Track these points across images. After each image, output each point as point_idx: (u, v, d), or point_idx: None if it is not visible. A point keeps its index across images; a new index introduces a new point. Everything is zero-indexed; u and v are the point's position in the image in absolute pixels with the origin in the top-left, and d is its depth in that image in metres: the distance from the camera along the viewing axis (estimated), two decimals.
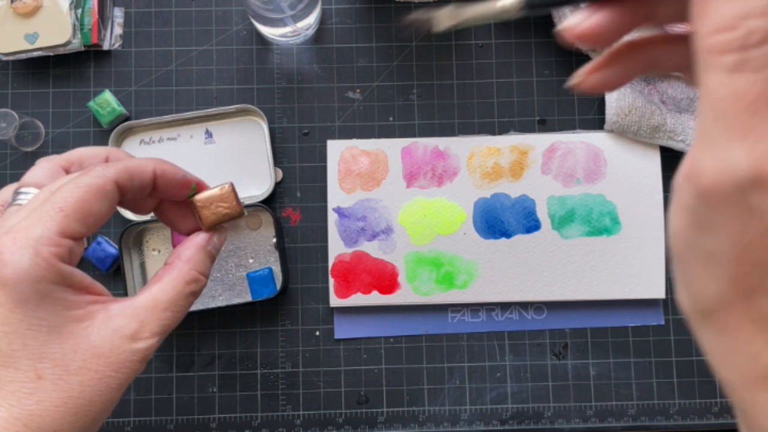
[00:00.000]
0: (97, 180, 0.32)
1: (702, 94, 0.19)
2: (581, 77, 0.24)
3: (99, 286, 0.33)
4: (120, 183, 0.33)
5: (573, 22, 0.22)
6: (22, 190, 0.34)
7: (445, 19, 0.26)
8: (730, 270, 0.19)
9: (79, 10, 0.54)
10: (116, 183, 0.33)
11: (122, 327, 0.32)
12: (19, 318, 0.29)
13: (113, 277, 0.54)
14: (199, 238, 0.37)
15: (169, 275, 0.35)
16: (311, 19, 0.53)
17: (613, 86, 0.24)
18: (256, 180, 0.54)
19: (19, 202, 0.33)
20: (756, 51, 0.18)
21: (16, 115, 0.54)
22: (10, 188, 0.36)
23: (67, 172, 0.36)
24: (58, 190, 0.31)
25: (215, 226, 0.38)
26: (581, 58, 0.55)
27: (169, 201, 0.38)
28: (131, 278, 0.53)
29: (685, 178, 0.20)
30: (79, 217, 0.31)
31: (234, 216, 0.38)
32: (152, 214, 0.39)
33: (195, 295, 0.35)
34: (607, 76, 0.24)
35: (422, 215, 0.53)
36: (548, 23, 0.55)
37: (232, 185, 0.38)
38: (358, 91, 0.55)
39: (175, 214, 0.38)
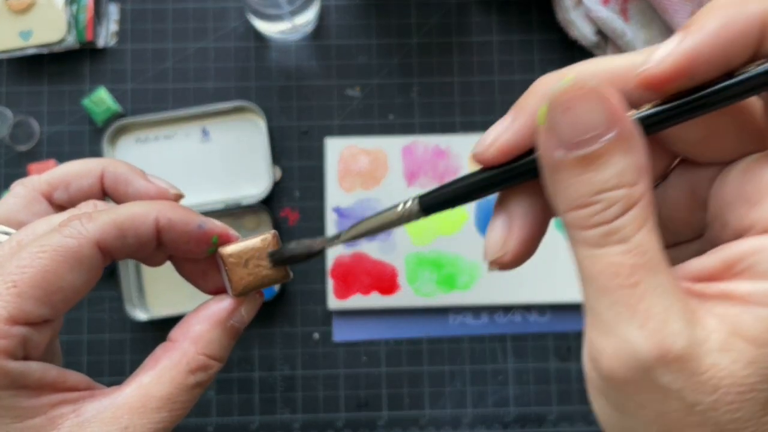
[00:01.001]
0: (69, 242, 0.23)
1: (579, 270, 0.18)
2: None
3: (70, 376, 0.24)
4: (105, 244, 0.23)
5: (494, 251, 0.23)
6: None
7: (332, 243, 0.25)
8: None
9: (74, 7, 0.53)
10: (99, 245, 0.23)
11: None
12: None
13: (106, 281, 0.53)
14: (217, 308, 0.26)
15: (169, 359, 0.25)
16: (310, 15, 0.52)
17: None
18: (254, 179, 0.53)
19: None
20: (620, 221, 0.17)
21: (10, 114, 0.54)
22: None
23: (49, 199, 0.28)
24: (15, 254, 0.23)
25: (248, 293, 0.27)
26: (583, 56, 0.55)
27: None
28: (127, 281, 0.52)
29: (588, 360, 0.18)
30: (39, 294, 0.22)
31: (278, 279, 0.27)
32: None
33: (202, 386, 0.25)
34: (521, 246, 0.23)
35: None
36: (551, 22, 0.54)
37: (276, 235, 0.27)
38: (357, 88, 0.54)
39: (193, 269, 0.28)
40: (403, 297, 0.52)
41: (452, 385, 0.53)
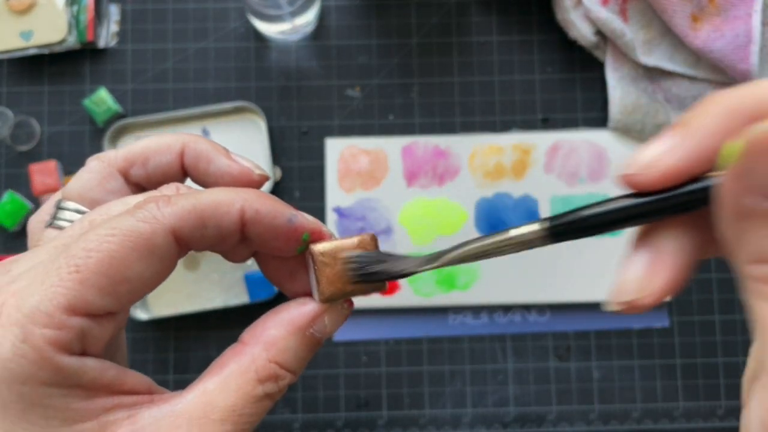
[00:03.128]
0: (142, 227, 0.20)
1: (756, 323, 0.17)
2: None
3: (130, 377, 0.21)
4: (182, 233, 0.21)
5: (631, 290, 0.20)
6: (62, 204, 0.24)
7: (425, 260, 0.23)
8: None
9: (75, 7, 0.53)
10: (174, 233, 0.21)
11: None
12: None
13: None
14: (299, 312, 0.23)
15: (236, 364, 0.22)
16: (310, 16, 0.52)
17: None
18: None
19: (59, 223, 0.24)
20: None
21: (10, 114, 0.54)
22: (53, 199, 0.26)
23: (126, 176, 0.25)
24: (83, 236, 0.20)
25: (336, 299, 0.23)
26: (583, 57, 0.55)
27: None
28: None
29: (758, 422, 0.17)
30: (103, 283, 0.19)
31: (371, 288, 0.23)
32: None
33: (272, 399, 0.22)
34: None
35: (423, 215, 0.53)
36: (550, 22, 0.54)
37: (374, 237, 0.24)
38: (357, 88, 0.55)
39: (279, 268, 0.25)
40: (403, 297, 0.52)
41: (452, 385, 0.53)
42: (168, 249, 0.21)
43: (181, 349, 0.53)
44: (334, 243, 0.23)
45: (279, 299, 0.53)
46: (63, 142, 0.54)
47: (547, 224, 0.20)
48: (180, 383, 0.52)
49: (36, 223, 0.25)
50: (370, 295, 0.24)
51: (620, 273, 0.20)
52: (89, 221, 0.22)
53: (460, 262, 0.22)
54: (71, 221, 0.24)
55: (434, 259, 0.22)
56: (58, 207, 0.25)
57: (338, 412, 0.53)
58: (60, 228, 0.24)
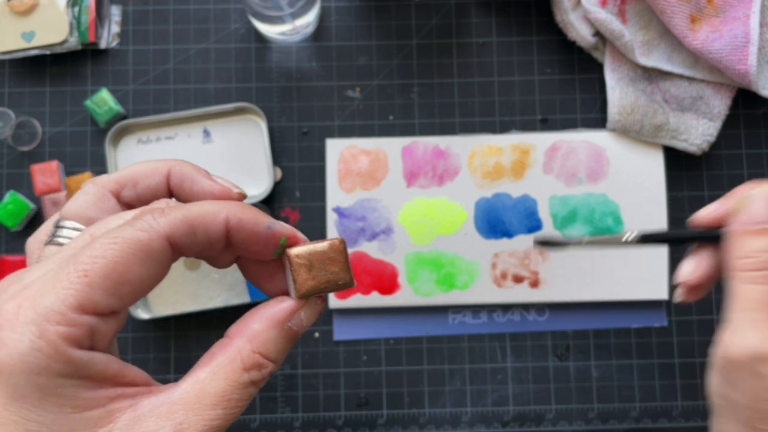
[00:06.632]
0: (140, 235, 0.23)
1: (734, 296, 0.31)
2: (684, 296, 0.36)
3: (130, 371, 0.24)
4: (175, 240, 0.24)
5: (684, 276, 0.35)
6: (61, 223, 0.27)
7: (577, 243, 0.36)
8: (746, 415, 0.30)
9: (76, 8, 0.53)
10: (169, 240, 0.24)
11: None
12: (14, 418, 0.22)
13: None
14: (278, 308, 0.26)
15: (224, 355, 0.25)
16: (310, 17, 0.52)
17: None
18: (255, 180, 0.54)
19: (58, 240, 0.27)
20: None
21: (12, 114, 0.54)
22: (52, 220, 0.29)
23: (118, 197, 0.28)
24: (88, 244, 0.23)
25: (311, 296, 0.27)
26: (582, 58, 0.55)
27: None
28: None
29: (721, 351, 0.31)
30: (108, 285, 0.22)
31: (342, 286, 0.27)
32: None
33: (256, 385, 0.26)
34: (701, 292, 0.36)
35: (423, 215, 0.53)
36: (549, 23, 0.55)
37: (343, 241, 0.27)
38: (357, 89, 0.55)
39: (259, 271, 0.28)
40: (403, 296, 0.53)
41: (452, 384, 0.53)
42: (164, 254, 0.24)
43: (181, 348, 0.53)
44: (309, 247, 0.26)
45: None
46: (65, 142, 0.54)
47: (637, 234, 0.35)
48: None
49: (34, 242, 0.28)
50: (341, 292, 0.27)
51: (682, 265, 0.35)
52: (90, 234, 0.24)
53: (587, 245, 0.37)
54: (70, 238, 0.26)
55: (578, 241, 0.37)
56: (57, 225, 0.27)
57: (338, 411, 0.53)
58: (59, 244, 0.26)
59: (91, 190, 0.28)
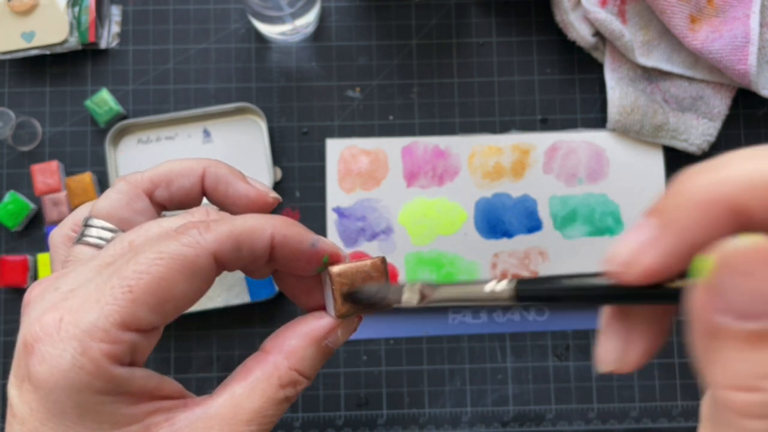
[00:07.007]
0: (187, 251, 0.22)
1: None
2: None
3: (168, 384, 0.24)
4: (221, 256, 0.23)
5: (609, 365, 0.22)
6: (91, 222, 0.26)
7: (411, 296, 0.25)
8: None
9: (76, 8, 0.53)
10: (215, 256, 0.23)
11: None
12: None
13: None
14: (317, 325, 0.26)
15: (261, 371, 0.25)
16: (310, 17, 0.52)
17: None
18: (255, 179, 0.54)
19: (87, 240, 0.26)
20: None
21: (12, 114, 0.54)
22: (82, 211, 0.28)
23: (150, 197, 0.27)
24: (132, 258, 0.22)
25: (350, 315, 0.26)
26: (582, 58, 0.55)
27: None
28: None
29: None
30: (152, 302, 0.22)
31: (383, 306, 0.26)
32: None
33: (289, 401, 0.25)
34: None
35: (422, 215, 0.53)
36: (549, 23, 0.55)
37: (384, 261, 0.27)
38: (357, 89, 0.55)
39: (297, 285, 0.27)
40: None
41: (451, 384, 0.53)
42: (209, 270, 0.23)
43: (182, 348, 0.53)
44: (351, 265, 0.26)
45: (279, 299, 0.53)
46: (65, 142, 0.54)
47: (514, 284, 0.22)
48: (181, 382, 0.53)
49: (60, 236, 0.27)
50: (381, 311, 0.27)
51: (599, 343, 0.22)
52: (129, 242, 0.24)
53: (438, 303, 0.25)
54: (100, 238, 0.26)
55: (422, 299, 0.26)
56: (86, 224, 0.26)
57: (338, 411, 0.53)
58: (89, 245, 0.26)
59: (123, 188, 0.27)
